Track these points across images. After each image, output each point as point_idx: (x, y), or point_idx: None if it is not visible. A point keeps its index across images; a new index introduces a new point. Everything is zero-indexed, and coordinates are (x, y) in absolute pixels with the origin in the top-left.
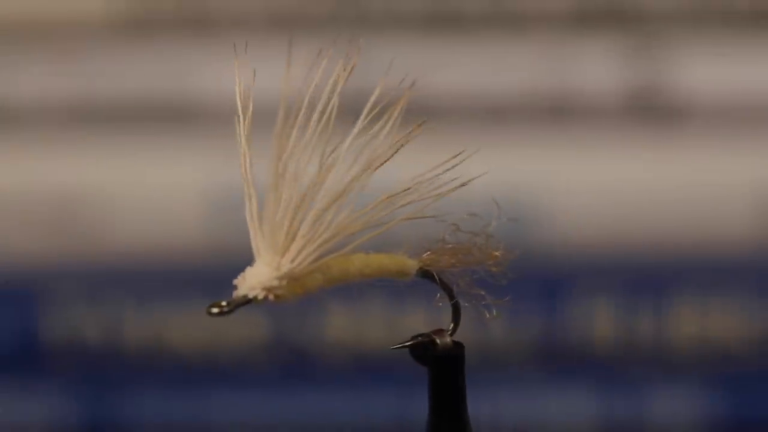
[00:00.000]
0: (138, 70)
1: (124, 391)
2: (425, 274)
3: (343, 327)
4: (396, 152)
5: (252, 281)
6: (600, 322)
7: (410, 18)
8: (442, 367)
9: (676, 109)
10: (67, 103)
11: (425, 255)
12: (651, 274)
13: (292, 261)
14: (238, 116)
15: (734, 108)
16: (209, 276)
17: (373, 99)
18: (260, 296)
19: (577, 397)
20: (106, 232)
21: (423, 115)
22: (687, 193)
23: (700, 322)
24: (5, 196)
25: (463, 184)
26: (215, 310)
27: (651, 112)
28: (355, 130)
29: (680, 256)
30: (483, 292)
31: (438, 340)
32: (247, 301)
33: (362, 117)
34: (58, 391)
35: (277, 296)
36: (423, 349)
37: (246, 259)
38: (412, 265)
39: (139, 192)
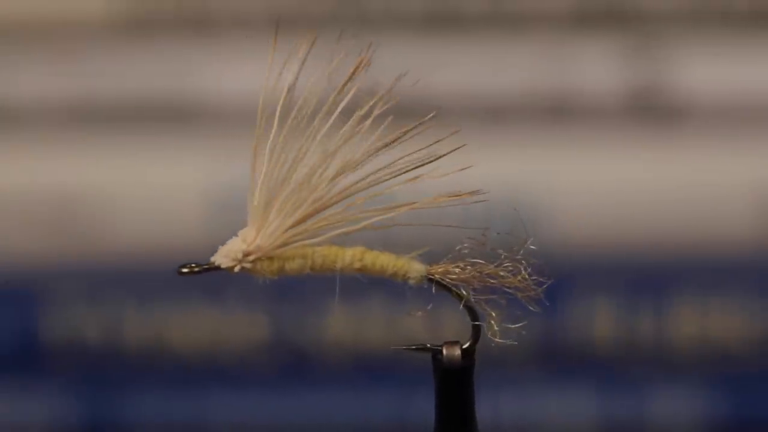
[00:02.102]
0: (138, 70)
1: (124, 391)
2: (436, 282)
3: (343, 327)
4: (429, 162)
5: (224, 250)
6: (600, 322)
7: (410, 18)
8: (448, 379)
9: (676, 109)
10: (67, 103)
11: (439, 265)
12: (651, 274)
13: (263, 239)
14: (260, 105)
15: (734, 108)
16: (209, 276)
17: (347, 96)
18: (224, 264)
19: (577, 397)
20: (106, 232)
21: (422, 114)
22: (687, 193)
23: (700, 322)
24: (5, 196)
25: (479, 200)
26: (185, 270)
27: (651, 112)
28: (339, 126)
29: (680, 256)
30: (494, 314)
31: (445, 351)
32: (215, 268)
33: (337, 113)
34: (58, 391)
35: (244, 269)
36: (432, 358)
37: None
38: (417, 269)
39: (139, 192)
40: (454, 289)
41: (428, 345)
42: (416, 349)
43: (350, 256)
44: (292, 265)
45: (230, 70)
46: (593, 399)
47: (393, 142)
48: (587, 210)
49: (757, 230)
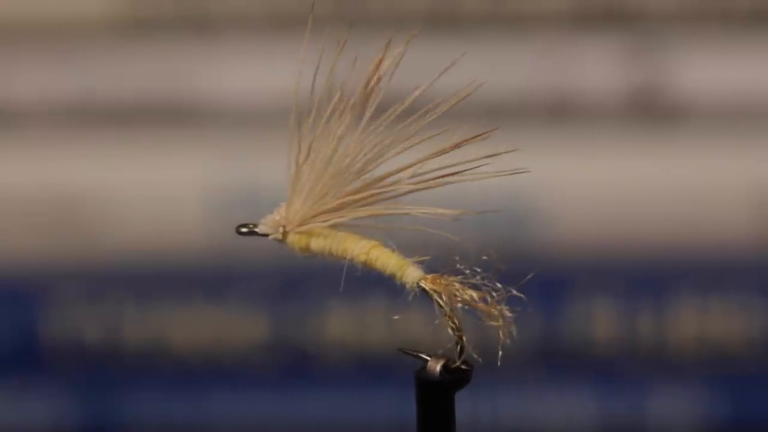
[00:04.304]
0: (138, 70)
1: (124, 391)
2: (426, 293)
3: (344, 327)
4: (474, 169)
5: (265, 219)
6: (600, 322)
7: (410, 18)
8: (423, 391)
9: (676, 109)
10: (67, 103)
11: (432, 275)
12: (651, 274)
13: (294, 215)
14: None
15: (734, 108)
16: (209, 276)
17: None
18: (260, 231)
19: (577, 397)
20: (106, 232)
21: (423, 114)
22: (687, 193)
23: (700, 322)
24: (5, 196)
25: (491, 211)
26: (244, 229)
27: (651, 112)
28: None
29: (680, 256)
30: (464, 337)
31: (429, 364)
32: (255, 233)
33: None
34: (58, 391)
35: (277, 239)
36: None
37: (246, 259)
38: (411, 275)
39: (139, 192)
40: (439, 302)
41: (422, 354)
42: (413, 355)
43: (359, 248)
44: (315, 244)
45: (230, 70)
46: (593, 399)
47: (450, 148)
48: (587, 210)
49: (757, 230)
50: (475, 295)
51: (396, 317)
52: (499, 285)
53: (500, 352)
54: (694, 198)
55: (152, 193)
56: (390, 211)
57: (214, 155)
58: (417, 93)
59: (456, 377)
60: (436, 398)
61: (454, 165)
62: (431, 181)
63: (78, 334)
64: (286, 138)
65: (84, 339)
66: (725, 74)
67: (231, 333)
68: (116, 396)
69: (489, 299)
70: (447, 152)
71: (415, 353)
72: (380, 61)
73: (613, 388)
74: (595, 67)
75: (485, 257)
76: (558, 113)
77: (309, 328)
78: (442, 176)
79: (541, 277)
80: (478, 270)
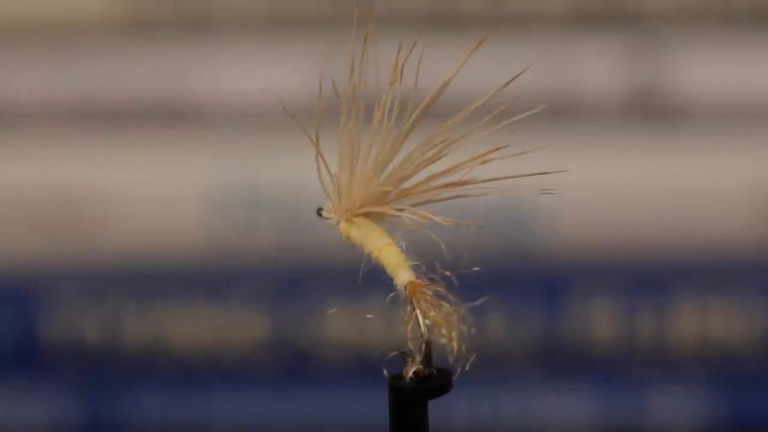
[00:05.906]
0: (138, 70)
1: (124, 391)
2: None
3: (343, 327)
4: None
5: (326, 203)
6: (600, 322)
7: (410, 18)
8: (395, 397)
9: (676, 109)
10: (67, 103)
11: (416, 281)
12: (651, 274)
13: (340, 203)
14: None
15: (734, 108)
16: (209, 276)
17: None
18: (324, 215)
19: (577, 398)
20: (106, 232)
21: (424, 114)
22: (687, 193)
23: (700, 322)
24: (5, 196)
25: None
26: (322, 212)
27: (651, 112)
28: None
29: (680, 256)
30: (425, 346)
31: (404, 369)
32: (322, 216)
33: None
34: (58, 391)
35: (333, 225)
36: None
37: (246, 259)
38: (400, 277)
39: (139, 192)
40: (416, 311)
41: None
42: (405, 359)
43: (375, 245)
44: (353, 234)
45: (230, 71)
46: (593, 399)
47: (484, 156)
48: (587, 210)
49: (757, 230)
50: (432, 307)
51: (369, 316)
52: (453, 298)
53: (458, 371)
54: (694, 198)
55: (152, 193)
56: (389, 212)
57: (214, 155)
58: (487, 98)
59: (428, 385)
60: (405, 404)
61: (492, 179)
62: (462, 190)
63: (78, 334)
64: (285, 138)
65: (84, 339)
66: (725, 74)
67: (231, 333)
68: (116, 396)
69: (442, 312)
70: (486, 161)
71: (408, 357)
72: (397, 62)
73: (613, 388)
74: (596, 67)
75: (447, 272)
76: (558, 113)
77: (309, 328)
78: (472, 184)
79: (541, 277)
80: (441, 281)
